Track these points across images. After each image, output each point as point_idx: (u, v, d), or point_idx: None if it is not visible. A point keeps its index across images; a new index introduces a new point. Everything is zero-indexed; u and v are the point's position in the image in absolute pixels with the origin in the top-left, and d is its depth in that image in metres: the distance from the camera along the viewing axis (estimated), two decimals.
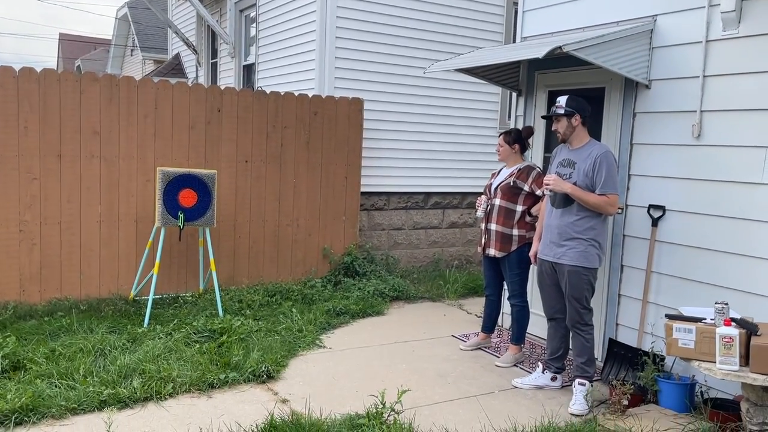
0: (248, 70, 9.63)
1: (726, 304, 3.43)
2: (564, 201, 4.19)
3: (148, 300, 5.50)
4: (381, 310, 6.29)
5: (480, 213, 5.05)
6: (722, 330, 3.32)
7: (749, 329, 3.35)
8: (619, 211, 4.68)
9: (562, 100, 4.18)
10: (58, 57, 32.12)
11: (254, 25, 9.18)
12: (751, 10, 3.85)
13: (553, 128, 4.27)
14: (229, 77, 10.15)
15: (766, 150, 3.80)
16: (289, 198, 6.83)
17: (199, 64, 11.35)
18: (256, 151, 6.60)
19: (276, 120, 6.68)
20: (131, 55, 21.20)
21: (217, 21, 10.30)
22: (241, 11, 9.72)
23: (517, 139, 4.98)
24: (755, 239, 3.87)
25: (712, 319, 3.50)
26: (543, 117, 4.45)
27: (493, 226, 4.94)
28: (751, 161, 3.88)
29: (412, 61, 7.74)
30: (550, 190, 4.24)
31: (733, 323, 3.36)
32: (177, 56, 12.87)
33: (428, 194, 8.22)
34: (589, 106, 4.21)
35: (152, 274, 5.61)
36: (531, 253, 4.68)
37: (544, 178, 4.27)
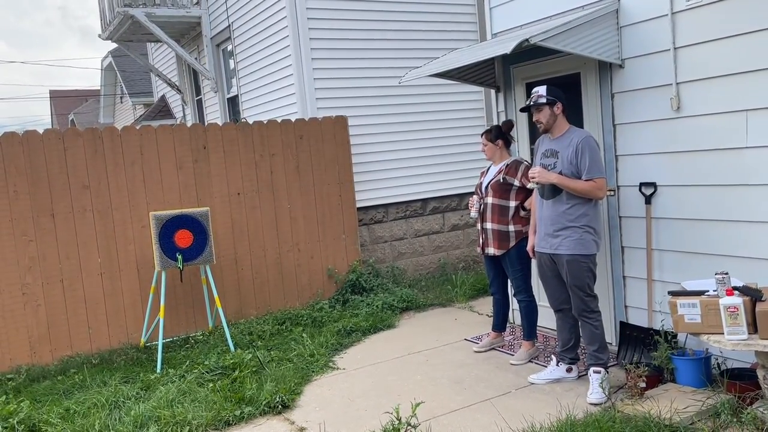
0: (233, 102, 9.69)
1: (726, 273, 3.39)
2: (552, 191, 4.16)
3: (158, 345, 5.50)
4: (391, 323, 6.26)
5: (474, 213, 5.03)
6: (725, 300, 3.29)
7: (753, 296, 3.31)
8: (611, 193, 4.65)
9: (541, 89, 4.15)
10: (51, 114, 32.50)
11: (232, 57, 9.25)
12: None
13: (534, 119, 4.24)
14: (215, 111, 10.22)
15: (746, 112, 3.77)
16: (286, 224, 6.84)
17: (185, 103, 11.44)
18: (246, 182, 6.62)
19: (263, 149, 6.71)
20: (121, 103, 21.40)
21: (196, 58, 10.38)
22: (218, 46, 9.79)
23: (499, 135, 4.97)
24: (748, 203, 3.82)
25: (714, 291, 3.46)
26: (521, 110, 4.43)
27: (488, 225, 4.92)
28: (733, 126, 3.85)
29: (390, 72, 7.75)
30: (537, 183, 4.22)
31: (736, 292, 3.32)
32: (163, 98, 12.97)
33: (426, 200, 8.21)
34: (563, 94, 4.19)
35: (159, 319, 5.62)
36: (528, 248, 4.65)
37: (529, 172, 4.25)
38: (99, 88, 22.80)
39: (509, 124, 5.05)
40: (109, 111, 22.78)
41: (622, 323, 4.60)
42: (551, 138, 4.24)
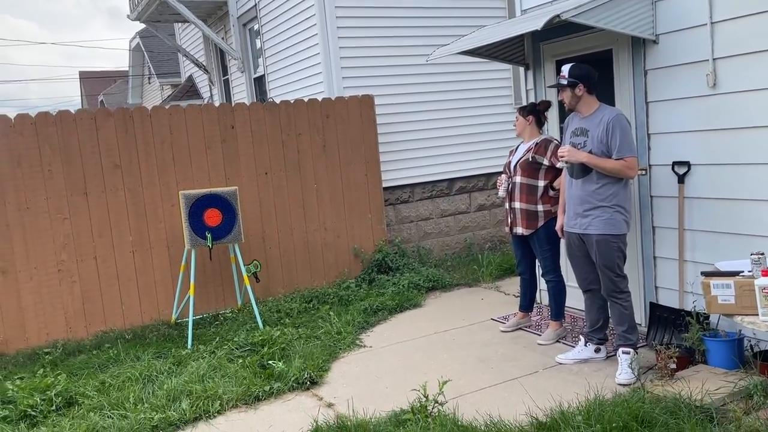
0: (259, 82, 9.72)
1: (762, 254, 3.33)
2: (582, 170, 4.11)
3: (188, 322, 5.61)
4: (418, 302, 6.29)
5: (502, 192, 5.00)
6: (761, 281, 3.23)
7: None
8: (642, 172, 4.57)
9: (565, 69, 4.10)
10: (81, 95, 32.96)
11: (259, 37, 9.25)
12: None
13: (558, 98, 4.20)
14: (241, 91, 10.26)
15: None
16: (312, 203, 6.87)
17: (212, 83, 11.50)
18: (274, 161, 6.65)
19: (289, 128, 6.73)
20: (149, 83, 21.61)
21: (222, 38, 10.41)
22: (244, 25, 9.80)
23: (531, 111, 4.91)
24: None
25: (749, 271, 3.40)
26: (550, 86, 4.37)
27: (517, 204, 4.89)
28: None
29: (417, 50, 7.67)
30: (566, 162, 4.17)
31: None
32: (190, 78, 13.06)
33: (452, 180, 8.17)
34: (594, 72, 4.12)
35: (189, 297, 5.72)
36: (557, 227, 4.61)
37: (559, 150, 4.20)
38: (127, 69, 23.05)
39: (546, 104, 4.98)
40: (137, 92, 23.03)
41: (652, 304, 4.56)
42: (581, 116, 4.18)
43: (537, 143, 4.84)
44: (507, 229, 5.08)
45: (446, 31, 7.81)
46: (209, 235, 5.66)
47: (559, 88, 4.16)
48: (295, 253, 6.81)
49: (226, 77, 11.14)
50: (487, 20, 8.02)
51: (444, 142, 7.98)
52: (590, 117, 4.12)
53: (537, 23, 3.92)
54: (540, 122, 4.98)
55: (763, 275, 3.23)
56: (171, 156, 6.18)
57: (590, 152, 4.04)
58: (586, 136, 4.10)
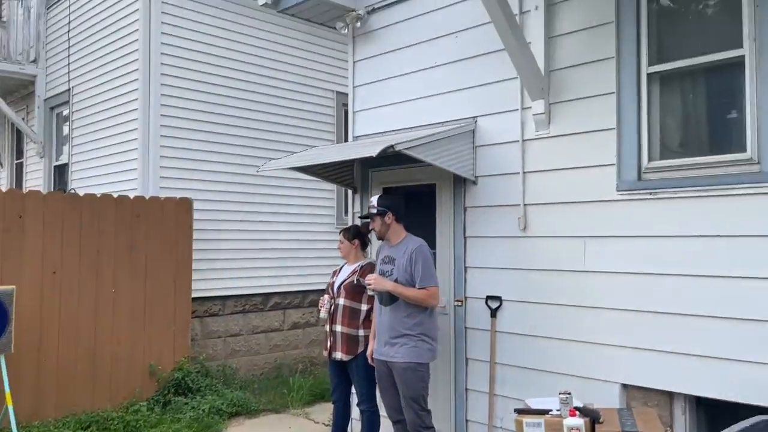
0: (60, 171, 8.77)
1: (569, 393, 3.46)
2: (390, 298, 4.17)
3: None
4: (218, 430, 5.66)
5: (323, 314, 4.81)
6: (569, 421, 3.33)
7: (593, 417, 3.40)
8: (459, 303, 4.71)
9: (374, 199, 4.30)
10: None
11: (67, 123, 8.46)
12: (559, 112, 4.21)
13: (370, 227, 4.33)
14: (37, 178, 9.16)
15: (585, 239, 4.06)
16: (107, 310, 6.07)
17: (1, 165, 10.17)
18: (67, 260, 5.84)
19: (92, 224, 6.02)
20: None
21: (23, 119, 9.37)
22: (52, 109, 8.95)
23: (356, 234, 4.90)
24: (585, 325, 4.03)
25: (558, 410, 3.50)
26: (360, 217, 4.47)
27: (338, 328, 4.71)
28: (573, 250, 4.11)
29: (245, 159, 7.54)
30: (373, 290, 4.21)
31: (577, 413, 3.39)
32: None
33: (268, 295, 7.84)
34: (402, 202, 4.34)
35: None
36: (368, 353, 4.52)
37: (365, 278, 4.22)
38: None
39: (368, 227, 5.01)
40: None
41: None
42: (389, 245, 4.31)
43: (362, 266, 4.80)
44: (326, 353, 4.85)
45: (276, 145, 7.84)
46: None
47: (371, 216, 4.28)
48: (78, 369, 5.85)
49: (20, 161, 9.93)
50: (316, 141, 8.23)
51: (263, 255, 7.72)
52: (397, 246, 4.26)
53: (372, 150, 4.00)
54: (365, 244, 4.98)
55: (571, 415, 3.35)
56: None
57: (396, 281, 4.12)
58: (393, 264, 4.20)
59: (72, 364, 5.81)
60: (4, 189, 5.92)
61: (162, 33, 7.02)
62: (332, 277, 4.99)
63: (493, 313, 4.52)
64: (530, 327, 4.32)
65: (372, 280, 4.17)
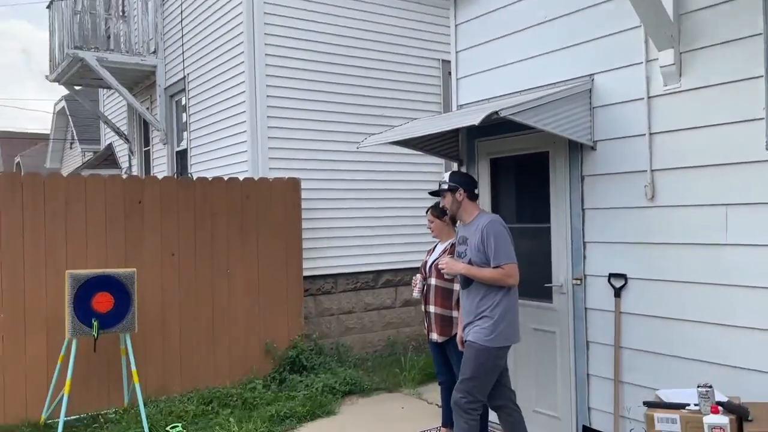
0: (181, 156, 9.18)
1: (710, 387, 3.00)
2: (466, 281, 3.88)
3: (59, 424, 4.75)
4: (332, 409, 5.65)
5: (416, 294, 4.60)
6: (710, 419, 2.88)
7: (740, 414, 2.92)
8: (577, 282, 4.30)
9: (446, 175, 4.03)
10: None
11: (185, 110, 8.81)
12: (692, 62, 3.64)
13: (441, 204, 4.10)
14: (162, 164, 9.67)
15: (726, 207, 3.50)
16: (223, 291, 6.24)
17: (132, 153, 10.86)
18: (183, 242, 6.04)
19: (204, 207, 6.18)
20: (71, 148, 20.54)
21: (148, 108, 9.90)
22: (171, 97, 9.36)
23: (445, 210, 4.61)
24: (727, 306, 3.50)
25: (696, 405, 3.06)
26: (430, 193, 4.22)
27: (432, 308, 4.50)
28: (711, 221, 3.57)
29: (349, 136, 7.43)
30: (447, 274, 4.00)
31: (721, 409, 2.92)
32: (109, 146, 12.35)
33: (379, 272, 7.75)
34: (475, 180, 4.05)
35: (63, 395, 4.88)
36: (457, 339, 4.26)
37: (439, 263, 3.93)
38: (49, 132, 21.94)
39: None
40: (57, 156, 21.84)
41: (584, 428, 4.15)
42: (464, 224, 4.01)
43: (453, 244, 4.51)
44: (426, 333, 4.66)
45: (380, 120, 7.66)
46: (96, 323, 4.92)
47: (441, 193, 4.01)
48: (199, 347, 6.08)
49: (147, 148, 10.54)
50: (420, 113, 7.96)
51: (372, 232, 7.62)
52: (470, 224, 3.95)
53: (475, 118, 3.67)
54: (455, 221, 4.68)
55: (713, 412, 2.89)
56: (63, 231, 5.47)
57: (469, 261, 3.82)
58: (466, 244, 3.90)
59: (193, 342, 6.05)
60: (134, 174, 6.24)
61: (265, 13, 7.02)
62: (426, 255, 4.76)
63: (617, 292, 4.06)
64: (659, 308, 3.83)
65: (444, 265, 3.92)
